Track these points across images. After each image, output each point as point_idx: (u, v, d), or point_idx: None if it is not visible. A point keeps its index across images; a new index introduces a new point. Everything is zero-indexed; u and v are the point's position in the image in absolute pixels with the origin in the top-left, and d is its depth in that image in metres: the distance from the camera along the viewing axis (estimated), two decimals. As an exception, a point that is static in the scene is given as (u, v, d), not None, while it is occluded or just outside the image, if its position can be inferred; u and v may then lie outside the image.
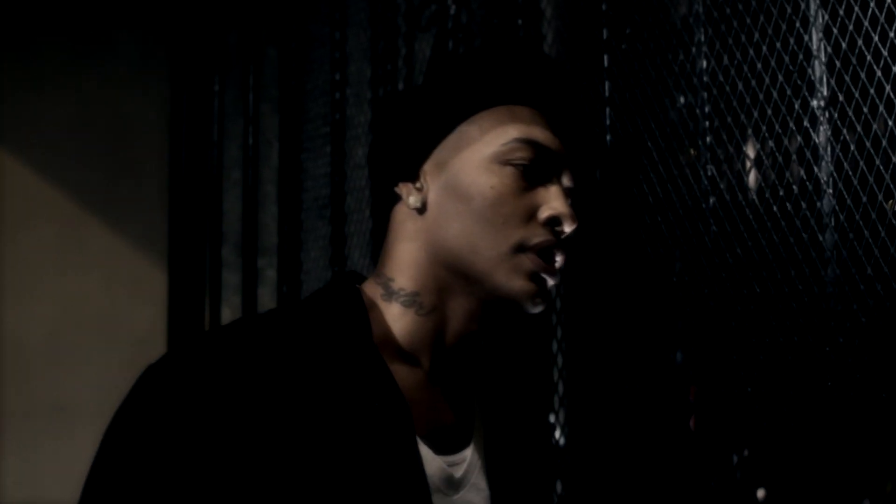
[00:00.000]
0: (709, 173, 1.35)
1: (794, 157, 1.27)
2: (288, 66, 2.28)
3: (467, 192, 0.84)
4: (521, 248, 0.84)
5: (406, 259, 0.87)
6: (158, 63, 2.94)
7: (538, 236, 0.85)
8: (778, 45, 1.28)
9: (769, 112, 1.29)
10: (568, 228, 0.86)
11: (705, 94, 1.36)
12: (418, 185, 0.87)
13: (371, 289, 0.89)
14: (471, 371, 0.94)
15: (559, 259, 0.88)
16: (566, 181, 0.90)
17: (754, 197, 1.32)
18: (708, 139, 1.35)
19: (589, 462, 1.49)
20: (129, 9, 2.95)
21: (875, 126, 1.18)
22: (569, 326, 1.57)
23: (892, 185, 1.16)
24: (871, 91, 1.18)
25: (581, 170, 0.92)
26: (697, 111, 1.37)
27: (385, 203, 0.92)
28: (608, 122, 1.48)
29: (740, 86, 1.33)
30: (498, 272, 0.84)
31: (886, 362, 1.15)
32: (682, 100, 1.41)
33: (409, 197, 0.87)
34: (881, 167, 1.17)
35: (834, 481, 1.17)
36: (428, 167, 0.87)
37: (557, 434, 1.55)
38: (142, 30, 2.97)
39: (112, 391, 0.83)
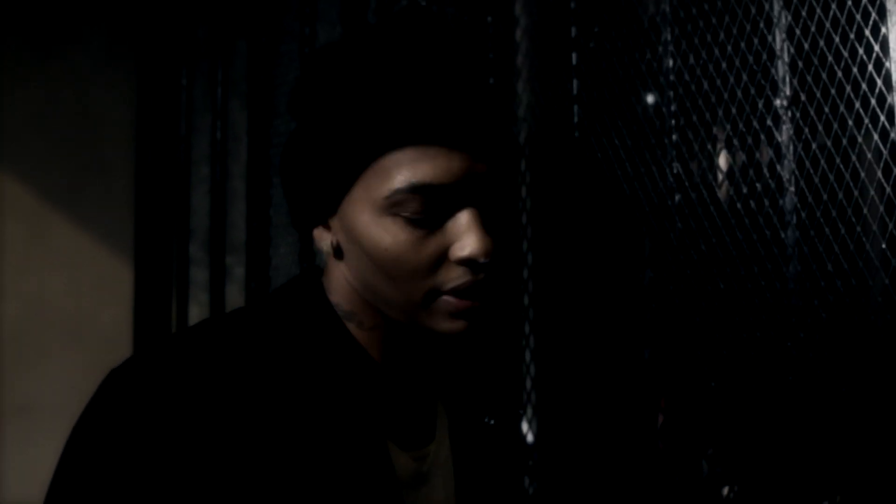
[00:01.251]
0: (674, 171, 1.39)
1: (758, 155, 1.32)
2: (258, 61, 2.29)
3: (366, 249, 0.78)
4: (434, 294, 0.78)
5: (337, 282, 0.84)
6: (125, 57, 2.94)
7: (452, 280, 0.77)
8: (742, 44, 1.33)
9: (733, 111, 1.34)
10: (486, 258, 0.77)
11: (671, 93, 1.40)
12: (329, 230, 0.83)
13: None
14: (432, 363, 0.94)
15: (485, 290, 0.80)
16: (485, 199, 0.79)
17: (719, 194, 1.36)
18: (674, 137, 1.39)
19: (558, 459, 1.52)
20: (95, 1, 2.94)
21: (836, 125, 1.23)
22: (538, 324, 1.61)
23: (851, 184, 1.21)
24: (832, 91, 1.23)
25: (503, 167, 0.81)
26: (664, 109, 1.41)
27: (311, 242, 0.91)
28: (576, 120, 1.51)
29: (706, 85, 1.37)
30: (419, 317, 0.79)
31: (846, 358, 1.20)
32: (648, 98, 1.45)
33: (322, 243, 0.83)
34: (841, 165, 1.22)
35: (797, 476, 1.22)
36: (337, 217, 0.81)
37: (525, 429, 1.59)
38: (107, 22, 2.97)
39: (77, 391, 0.83)
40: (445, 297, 0.78)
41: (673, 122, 1.40)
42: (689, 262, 1.36)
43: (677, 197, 1.38)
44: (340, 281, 0.84)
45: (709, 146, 1.38)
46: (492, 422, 0.98)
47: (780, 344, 1.24)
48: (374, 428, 0.80)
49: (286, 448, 0.74)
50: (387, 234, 0.77)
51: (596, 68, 1.52)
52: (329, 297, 0.85)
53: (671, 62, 1.40)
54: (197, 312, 2.60)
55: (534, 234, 1.61)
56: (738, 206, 1.33)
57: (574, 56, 1.54)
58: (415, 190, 0.75)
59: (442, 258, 0.78)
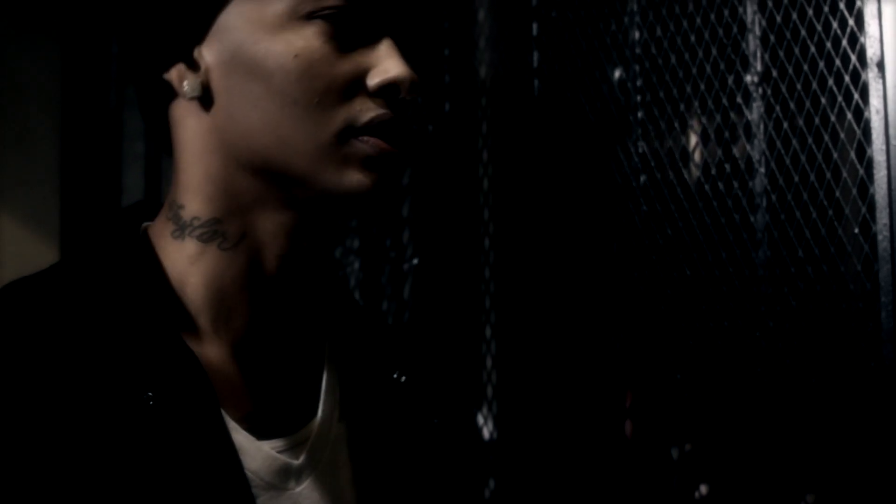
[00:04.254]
0: (640, 150, 1.41)
1: (727, 134, 1.34)
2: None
3: (263, 66, 0.68)
4: (349, 132, 0.69)
5: (196, 175, 0.71)
6: (50, 22, 2.89)
7: (369, 111, 0.69)
8: (712, 16, 1.35)
9: (702, 87, 1.36)
10: (409, 92, 0.70)
11: (637, 67, 1.42)
12: (195, 68, 0.70)
13: (160, 226, 0.74)
14: (316, 320, 0.80)
15: (403, 135, 0.72)
16: (400, 38, 0.72)
17: (686, 175, 1.39)
18: (639, 114, 1.42)
19: (522, 457, 1.54)
20: (16, -41, 2.89)
21: (808, 103, 1.25)
22: (498, 319, 1.62)
23: (824, 165, 1.24)
24: (805, 67, 1.26)
25: (417, 21, 0.75)
26: (629, 84, 1.43)
27: (157, 102, 0.74)
28: (536, 94, 1.53)
29: (673, 59, 1.39)
30: (324, 168, 0.69)
31: (817, 348, 1.23)
32: (613, 72, 1.47)
33: (184, 83, 0.70)
34: (813, 146, 1.25)
35: (766, 474, 1.25)
36: (206, 43, 0.70)
37: (482, 423, 1.60)
38: (30, -17, 2.92)
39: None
40: (362, 138, 0.69)
41: (638, 98, 1.42)
42: (654, 246, 1.39)
43: (642, 178, 1.41)
44: (200, 167, 0.71)
45: (676, 124, 1.40)
46: (402, 378, 0.81)
47: (748, 333, 1.27)
48: (210, 416, 0.67)
49: (92, 454, 0.62)
50: (299, 40, 0.68)
51: (558, 40, 1.53)
52: (181, 211, 0.72)
53: (637, 34, 1.42)
54: (129, 301, 2.58)
55: (495, 229, 1.62)
56: (706, 187, 1.35)
57: (535, 26, 1.55)
58: None
59: (357, 86, 0.70)
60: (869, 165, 1.17)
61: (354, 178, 0.69)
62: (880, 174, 1.16)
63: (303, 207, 0.71)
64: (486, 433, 1.61)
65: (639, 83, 1.42)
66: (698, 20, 1.36)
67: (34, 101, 2.88)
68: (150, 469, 0.63)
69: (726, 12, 1.33)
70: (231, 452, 0.66)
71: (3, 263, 2.82)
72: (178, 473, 0.64)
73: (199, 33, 0.70)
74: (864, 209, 1.18)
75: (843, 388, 1.20)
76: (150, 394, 0.64)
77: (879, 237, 1.15)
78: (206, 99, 0.70)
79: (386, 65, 0.70)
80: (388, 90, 0.70)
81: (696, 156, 1.39)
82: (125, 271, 0.70)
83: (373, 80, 0.69)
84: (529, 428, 1.52)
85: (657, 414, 1.38)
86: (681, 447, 1.36)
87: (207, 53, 0.70)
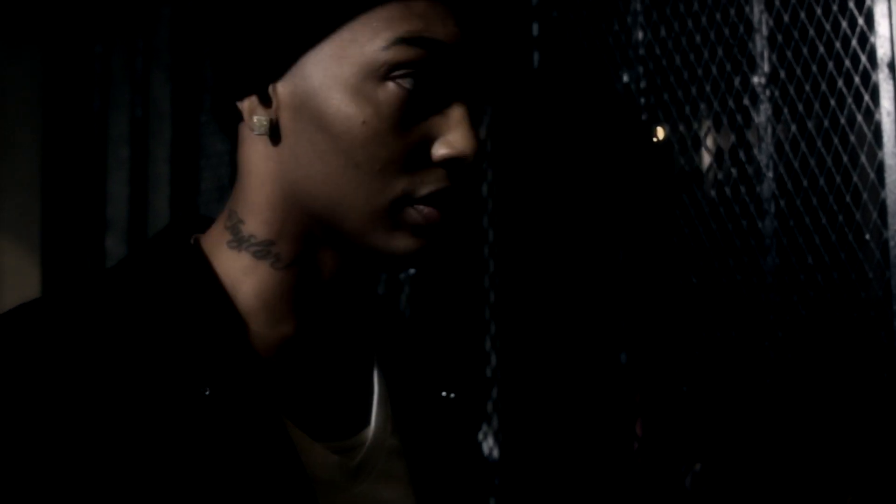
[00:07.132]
0: (643, 154, 1.44)
1: (734, 137, 1.37)
2: (183, 28, 2.30)
3: (332, 124, 0.72)
4: (406, 200, 0.73)
5: (258, 198, 0.77)
6: (30, 21, 2.92)
7: (429, 185, 0.73)
8: (718, 16, 1.38)
9: (708, 89, 1.39)
10: (472, 164, 0.73)
11: (641, 69, 1.44)
12: (267, 103, 0.75)
13: (215, 235, 0.79)
14: (365, 332, 0.86)
15: (456, 201, 0.76)
16: (478, 96, 0.76)
17: (692, 181, 1.41)
18: (644, 117, 1.44)
19: (524, 474, 1.56)
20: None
21: (817, 105, 1.28)
22: (500, 321, 1.64)
23: (833, 169, 1.26)
24: (814, 68, 1.28)
25: (502, 78, 0.82)
26: (632, 86, 1.46)
27: (229, 122, 0.79)
28: (537, 96, 1.56)
29: (678, 60, 1.42)
30: (375, 231, 0.73)
31: (828, 359, 1.25)
32: (616, 74, 1.49)
33: (253, 117, 0.74)
34: (822, 150, 1.27)
35: (778, 484, 1.27)
36: (287, 82, 0.74)
37: (482, 439, 1.62)
38: (10, -18, 2.95)
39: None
40: (417, 206, 0.72)
41: (642, 100, 1.44)
42: (659, 254, 1.41)
43: (646, 184, 1.43)
44: (262, 191, 0.77)
45: (681, 127, 1.43)
46: (451, 395, 0.89)
47: (757, 343, 1.29)
48: (268, 412, 0.73)
49: (152, 456, 0.68)
50: (368, 105, 0.71)
51: (559, 40, 1.56)
52: (240, 225, 0.78)
53: (641, 34, 1.45)
54: (114, 313, 2.60)
55: (495, 236, 1.64)
56: (713, 193, 1.38)
57: (535, 27, 1.57)
58: (422, 43, 0.70)
59: (422, 154, 0.73)
60: (880, 169, 1.20)
61: (402, 242, 0.73)
62: (892, 178, 1.18)
63: (351, 254, 0.77)
64: (486, 450, 1.63)
65: (642, 85, 1.45)
66: (703, 20, 1.39)
67: (14, 104, 2.91)
68: (213, 459, 0.69)
69: (732, 12, 1.36)
70: (289, 445, 0.73)
71: (-18, 274, 2.84)
72: (240, 465, 0.70)
73: (277, 71, 0.74)
74: (875, 214, 1.20)
75: (856, 400, 1.22)
76: (208, 390, 0.71)
77: (891, 243, 1.17)
78: (274, 134, 0.75)
79: (453, 136, 0.72)
80: (451, 162, 0.73)
81: (703, 160, 1.41)
82: (180, 276, 0.76)
83: (438, 152, 0.72)
84: (531, 443, 1.53)
85: (663, 428, 1.40)
86: (688, 464, 1.38)
87: (282, 92, 0.74)
